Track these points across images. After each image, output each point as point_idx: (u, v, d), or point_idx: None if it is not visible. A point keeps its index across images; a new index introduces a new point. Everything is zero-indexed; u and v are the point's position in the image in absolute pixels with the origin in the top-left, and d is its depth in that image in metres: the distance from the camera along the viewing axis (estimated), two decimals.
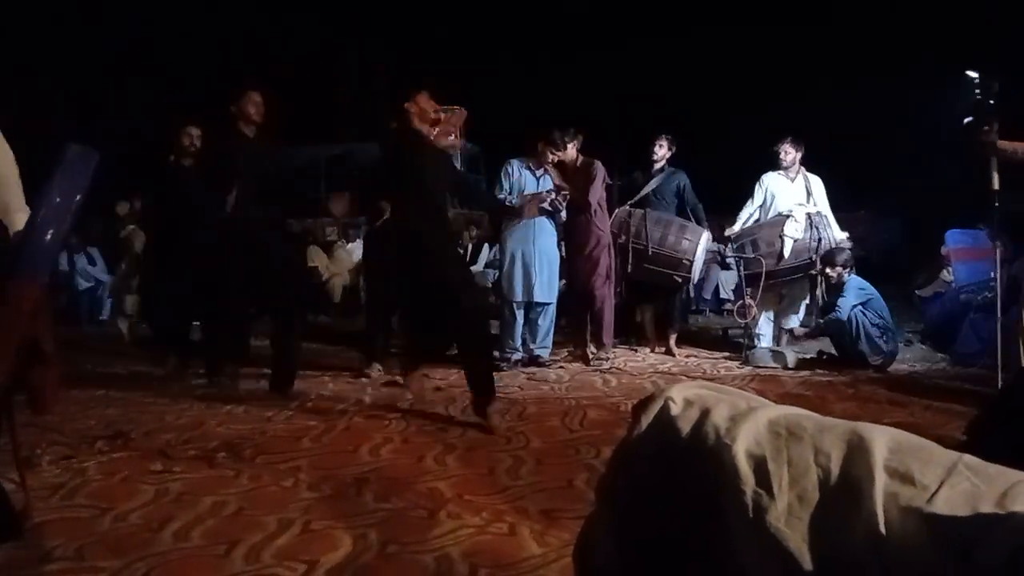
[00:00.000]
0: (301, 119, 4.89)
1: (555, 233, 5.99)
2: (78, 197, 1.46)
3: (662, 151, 6.49)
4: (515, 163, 5.90)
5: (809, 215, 6.10)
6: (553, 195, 5.74)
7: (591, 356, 5.92)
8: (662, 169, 6.52)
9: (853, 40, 10.02)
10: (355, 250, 9.69)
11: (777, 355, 5.96)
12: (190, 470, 3.20)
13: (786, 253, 6.04)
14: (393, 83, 12.37)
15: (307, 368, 5.61)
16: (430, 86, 4.16)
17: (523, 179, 5.85)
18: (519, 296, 5.78)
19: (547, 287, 5.83)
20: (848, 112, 9.71)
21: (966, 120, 4.20)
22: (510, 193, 5.82)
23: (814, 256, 6.01)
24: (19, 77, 9.59)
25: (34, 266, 1.45)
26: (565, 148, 5.81)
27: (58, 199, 1.40)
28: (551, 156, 5.80)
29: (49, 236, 1.42)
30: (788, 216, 6.11)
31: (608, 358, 5.88)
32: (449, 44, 13.23)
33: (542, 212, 5.77)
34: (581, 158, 5.93)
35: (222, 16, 11.76)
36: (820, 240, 6.01)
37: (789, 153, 6.32)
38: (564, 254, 6.08)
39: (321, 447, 3.58)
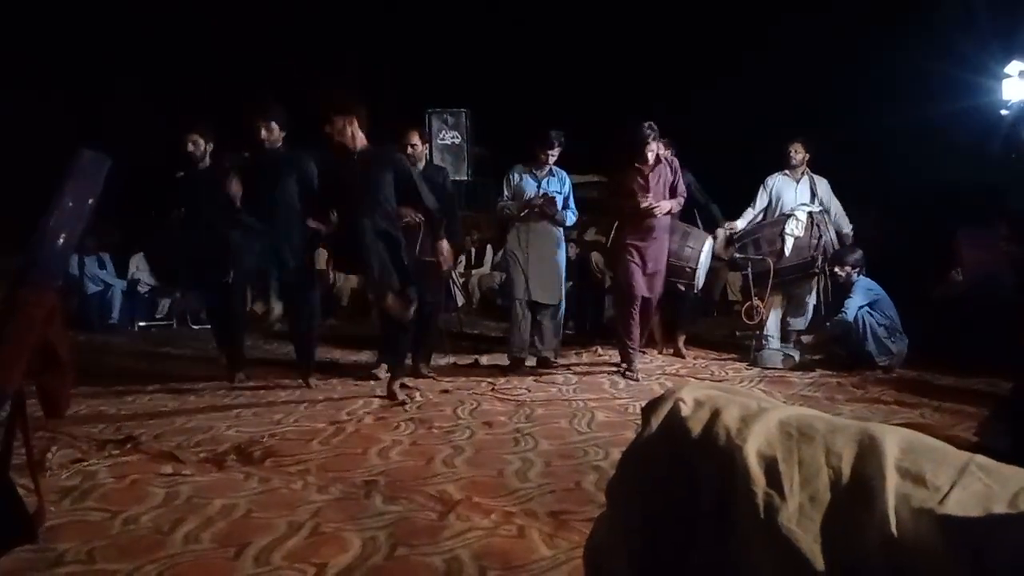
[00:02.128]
0: (309, 123, 4.90)
1: (560, 236, 6.04)
2: (90, 202, 1.48)
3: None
4: (517, 169, 5.99)
5: (811, 214, 6.08)
6: (541, 201, 5.80)
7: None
8: None
9: (862, 41, 9.98)
10: None
11: (785, 356, 5.95)
12: (200, 473, 3.22)
13: (787, 251, 6.02)
14: (400, 88, 12.38)
15: (315, 371, 5.63)
16: None
17: (524, 184, 5.91)
18: (521, 295, 5.85)
19: (549, 289, 5.87)
20: (855, 112, 9.67)
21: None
22: (512, 199, 5.92)
23: (816, 254, 6.00)
24: (25, 90, 9.65)
25: (47, 271, 1.46)
26: (556, 147, 5.86)
27: (70, 204, 1.42)
28: (543, 156, 5.86)
29: (61, 241, 1.43)
30: (790, 215, 6.10)
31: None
32: (457, 48, 13.23)
33: (540, 217, 5.82)
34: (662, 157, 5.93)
35: (226, 21, 11.79)
36: (821, 238, 6.00)
37: (799, 152, 6.31)
38: (571, 255, 6.12)
39: (330, 450, 3.59)
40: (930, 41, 8.75)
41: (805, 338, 6.12)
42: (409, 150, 5.52)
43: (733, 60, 11.56)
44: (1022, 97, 7.75)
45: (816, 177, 6.35)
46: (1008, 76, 7.87)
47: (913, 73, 9.13)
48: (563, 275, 6.04)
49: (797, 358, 5.90)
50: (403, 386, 5.12)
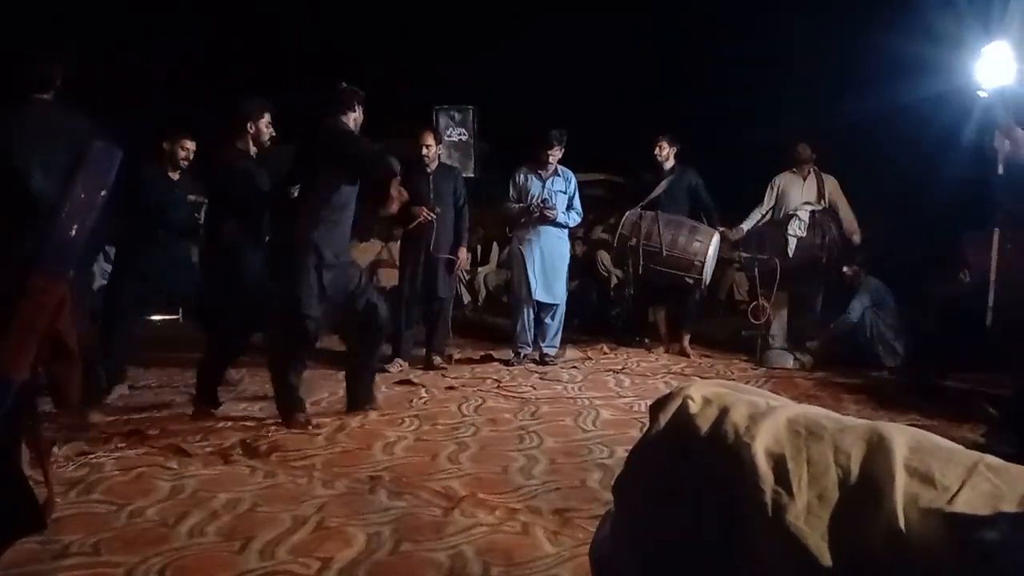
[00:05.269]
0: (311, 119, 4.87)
1: (565, 237, 6.09)
2: (102, 193, 1.48)
3: (664, 152, 6.45)
4: (522, 170, 6.03)
5: (814, 213, 6.06)
6: (538, 211, 5.84)
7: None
8: (672, 170, 6.49)
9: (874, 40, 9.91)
10: (368, 249, 9.68)
11: (791, 357, 5.93)
12: (206, 467, 3.22)
13: (790, 251, 6.01)
14: (408, 85, 12.38)
15: (320, 366, 5.63)
16: None
17: (529, 184, 5.95)
18: (524, 295, 5.91)
19: (550, 288, 5.93)
20: (861, 110, 9.62)
21: None
22: (518, 200, 5.97)
23: (820, 253, 5.98)
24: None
25: (58, 261, 1.47)
26: (557, 147, 5.88)
27: (82, 195, 1.42)
28: (545, 156, 5.88)
29: (74, 232, 1.44)
30: (792, 215, 6.09)
31: None
32: (464, 45, 13.23)
33: (542, 220, 5.87)
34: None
35: (231, 19, 11.82)
36: (825, 236, 5.98)
37: (806, 150, 6.30)
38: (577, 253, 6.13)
39: (335, 445, 3.59)
40: (912, 24, 8.57)
41: (811, 343, 6.10)
42: (424, 151, 5.58)
43: (729, 57, 11.55)
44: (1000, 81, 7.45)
45: (824, 176, 6.32)
46: (985, 56, 7.60)
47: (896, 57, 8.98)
48: (565, 275, 6.10)
49: (803, 358, 5.89)
50: (408, 383, 5.13)
